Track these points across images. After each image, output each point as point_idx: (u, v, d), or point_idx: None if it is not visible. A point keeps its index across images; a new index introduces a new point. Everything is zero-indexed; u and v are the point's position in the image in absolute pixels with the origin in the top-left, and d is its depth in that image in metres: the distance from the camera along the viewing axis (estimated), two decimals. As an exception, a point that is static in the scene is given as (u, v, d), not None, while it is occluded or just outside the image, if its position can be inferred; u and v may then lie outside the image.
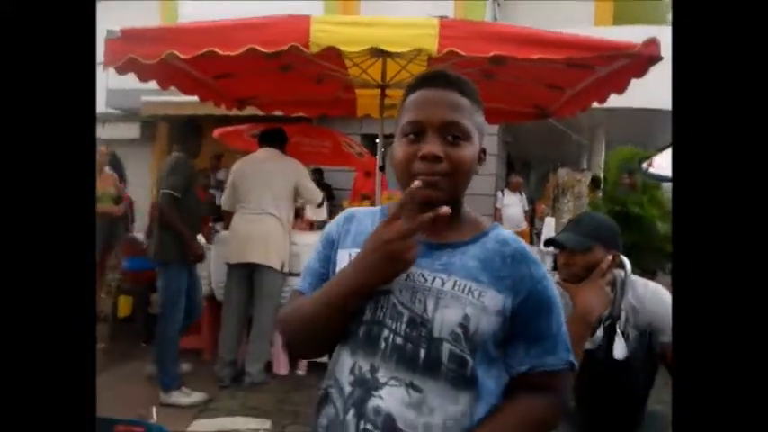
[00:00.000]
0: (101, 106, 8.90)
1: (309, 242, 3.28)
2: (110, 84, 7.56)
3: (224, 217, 3.63)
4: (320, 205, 3.96)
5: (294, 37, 2.46)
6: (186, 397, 2.96)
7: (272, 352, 3.34)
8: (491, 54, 2.45)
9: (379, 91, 3.56)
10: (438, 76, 0.89)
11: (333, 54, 2.79)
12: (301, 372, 3.45)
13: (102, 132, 9.45)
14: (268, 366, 3.33)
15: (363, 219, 0.96)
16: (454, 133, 0.84)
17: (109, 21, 2.78)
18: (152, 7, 9.12)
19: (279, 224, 3.26)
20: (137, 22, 2.93)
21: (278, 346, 3.28)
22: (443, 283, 0.83)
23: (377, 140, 3.67)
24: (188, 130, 3.25)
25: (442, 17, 2.67)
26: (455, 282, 0.83)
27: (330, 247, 0.95)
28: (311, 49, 2.48)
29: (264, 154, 3.36)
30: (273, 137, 3.42)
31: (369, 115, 4.54)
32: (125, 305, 4.10)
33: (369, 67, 3.43)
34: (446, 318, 0.81)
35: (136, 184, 3.52)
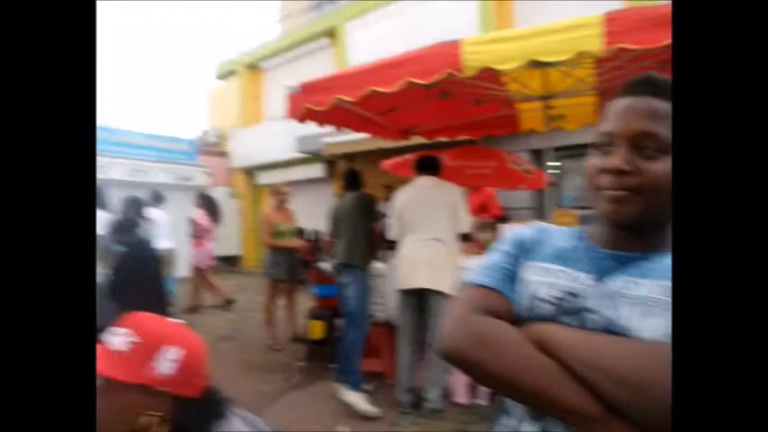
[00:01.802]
0: (291, 152, 10.24)
1: (479, 266, 3.22)
2: (297, 131, 8.69)
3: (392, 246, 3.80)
4: (493, 227, 4.20)
5: (447, 64, 2.48)
6: (363, 403, 3.24)
7: (449, 380, 3.31)
8: (666, 42, 2.10)
9: (541, 103, 3.37)
10: (642, 81, 0.79)
11: (488, 74, 2.73)
12: (482, 401, 3.34)
13: (293, 174, 10.89)
14: (447, 393, 3.30)
15: (556, 234, 0.88)
16: (648, 145, 0.74)
17: (294, 78, 3.21)
18: (326, 58, 10.26)
19: (443, 248, 3.27)
20: (312, 74, 3.31)
21: (457, 374, 3.23)
22: (638, 288, 0.72)
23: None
24: (348, 173, 3.85)
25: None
26: (651, 286, 0.71)
27: (520, 248, 0.87)
28: (465, 73, 2.46)
29: (424, 181, 3.44)
30: (428, 164, 3.50)
31: (534, 130, 4.33)
32: (318, 329, 4.52)
33: (529, 80, 3.28)
34: (647, 328, 0.68)
35: (323, 216, 4.01)
